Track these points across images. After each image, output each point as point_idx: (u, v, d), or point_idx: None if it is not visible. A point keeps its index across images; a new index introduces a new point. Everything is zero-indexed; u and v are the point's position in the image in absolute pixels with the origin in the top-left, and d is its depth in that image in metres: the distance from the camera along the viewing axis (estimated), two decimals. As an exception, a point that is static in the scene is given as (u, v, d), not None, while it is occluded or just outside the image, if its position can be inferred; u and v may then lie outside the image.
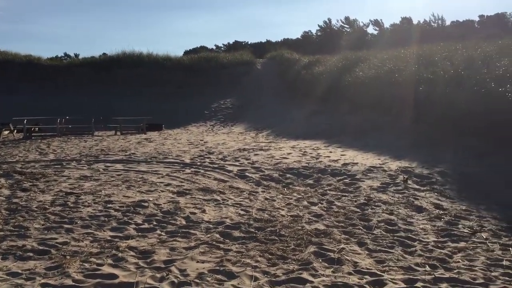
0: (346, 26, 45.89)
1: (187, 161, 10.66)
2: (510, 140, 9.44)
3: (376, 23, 42.29)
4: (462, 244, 5.61)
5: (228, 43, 61.79)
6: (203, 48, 45.92)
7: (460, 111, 10.82)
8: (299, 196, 7.62)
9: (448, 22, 58.41)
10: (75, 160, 11.14)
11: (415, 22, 47.03)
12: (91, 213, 6.45)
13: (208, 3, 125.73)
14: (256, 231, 5.77)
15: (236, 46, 51.37)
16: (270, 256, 4.94)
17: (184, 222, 6.14)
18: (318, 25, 50.19)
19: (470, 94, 10.87)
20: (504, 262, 5.06)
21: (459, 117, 10.80)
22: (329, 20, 49.23)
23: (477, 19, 69.50)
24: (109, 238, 5.47)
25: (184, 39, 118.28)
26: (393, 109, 13.71)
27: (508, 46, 13.23)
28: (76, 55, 47.79)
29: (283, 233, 5.72)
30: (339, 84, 17.66)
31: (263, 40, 62.43)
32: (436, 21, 40.95)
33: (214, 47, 60.57)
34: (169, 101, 23.12)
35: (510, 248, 5.50)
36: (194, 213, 6.53)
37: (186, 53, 42.83)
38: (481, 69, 11.73)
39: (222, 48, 58.21)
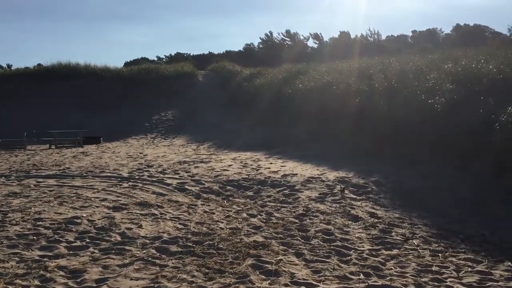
0: (287, 39, 46.78)
1: (125, 174, 10.38)
2: (440, 149, 9.89)
3: (316, 36, 43.43)
4: (395, 251, 5.79)
5: (170, 54, 61.16)
6: (144, 60, 45.17)
7: (394, 122, 11.24)
8: (239, 208, 7.60)
9: (384, 37, 60.95)
10: (4, 175, 10.57)
11: (353, 36, 48.65)
12: (19, 231, 6.11)
13: (150, 14, 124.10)
14: (194, 245, 5.68)
15: (178, 57, 50.96)
16: (207, 271, 4.88)
17: (119, 238, 5.94)
18: (260, 38, 50.80)
19: (402, 105, 11.32)
20: (434, 268, 5.26)
21: (393, 127, 11.20)
22: (271, 33, 50.02)
23: (410, 34, 72.97)
24: (37, 258, 5.19)
25: (125, 51, 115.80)
26: (332, 121, 14.04)
27: (437, 60, 13.93)
28: (9, 66, 45.65)
29: (221, 246, 5.67)
30: (280, 96, 17.89)
31: (206, 52, 62.36)
32: (373, 36, 42.64)
33: (156, 59, 59.78)
34: (108, 114, 22.51)
35: (440, 254, 5.73)
36: (130, 229, 6.34)
37: (127, 64, 41.97)
38: (412, 82, 12.26)
39: (164, 60, 57.55)
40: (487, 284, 4.84)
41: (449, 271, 5.19)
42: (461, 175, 9.12)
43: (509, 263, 5.46)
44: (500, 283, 4.88)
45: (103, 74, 26.80)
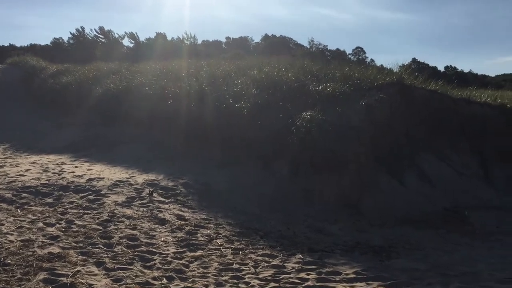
0: (100, 36, 44.43)
1: None
2: (246, 151, 10.43)
3: (132, 36, 42.15)
4: (199, 252, 5.87)
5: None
6: None
7: (204, 125, 11.51)
8: (34, 218, 6.88)
9: (199, 41, 62.49)
10: None
11: (169, 38, 48.68)
12: None
13: None
14: (-26, 264, 4.95)
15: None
16: (-13, 292, 4.28)
17: None
18: (71, 33, 47.33)
19: (212, 109, 11.66)
20: (234, 266, 5.48)
21: (203, 130, 11.46)
22: (82, 28, 46.96)
23: (224, 40, 76.33)
24: None
25: None
26: (144, 122, 13.77)
27: (245, 66, 14.71)
28: None
29: (9, 261, 5.06)
30: (90, 95, 16.91)
31: (6, 44, 55.85)
32: (189, 39, 43.26)
33: None
34: None
35: (240, 252, 6.00)
36: None
37: None
38: (222, 86, 12.72)
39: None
40: (280, 277, 5.22)
41: (248, 267, 5.46)
42: (264, 175, 9.75)
43: (300, 256, 5.98)
44: (291, 275, 5.31)
45: None
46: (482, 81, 46.35)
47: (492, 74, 74.79)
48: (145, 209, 7.55)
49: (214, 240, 6.40)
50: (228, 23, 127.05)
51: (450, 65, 77.34)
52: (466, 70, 76.78)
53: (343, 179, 9.23)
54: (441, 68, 72.95)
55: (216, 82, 13.21)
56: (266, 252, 6.07)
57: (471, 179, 10.94)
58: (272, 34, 76.72)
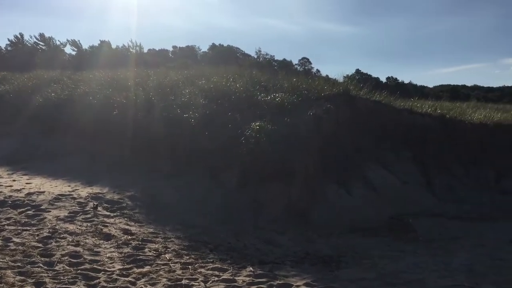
0: (41, 43, 42.99)
1: None
2: (194, 162, 10.28)
3: (74, 43, 41.06)
4: (146, 268, 5.68)
5: None
6: None
7: (152, 136, 11.25)
8: (-35, 237, 6.44)
9: (145, 50, 61.57)
10: None
11: (114, 46, 47.73)
12: None
13: None
14: None
15: None
16: None
17: None
18: (9, 39, 45.45)
19: (159, 119, 11.44)
20: (184, 281, 5.33)
21: (150, 141, 11.20)
22: (21, 35, 45.24)
23: (171, 49, 75.66)
24: None
25: None
26: (88, 133, 13.29)
27: (192, 76, 14.56)
28: None
29: None
30: (29, 105, 16.16)
31: None
32: (135, 48, 42.54)
33: None
34: None
35: (190, 266, 5.86)
36: None
37: None
38: (169, 96, 12.52)
39: None
40: (231, 291, 5.12)
41: (198, 283, 5.33)
42: (213, 186, 9.63)
43: (251, 268, 5.92)
44: (242, 289, 5.22)
45: None
46: (421, 91, 48.40)
47: (431, 85, 78.45)
48: (89, 224, 7.25)
49: (163, 255, 6.22)
50: (175, 32, 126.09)
51: (392, 76, 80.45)
52: (406, 81, 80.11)
53: (292, 190, 9.27)
54: (383, 79, 75.74)
55: (164, 92, 12.99)
56: (216, 265, 5.96)
57: (414, 187, 11.30)
58: (220, 44, 76.96)
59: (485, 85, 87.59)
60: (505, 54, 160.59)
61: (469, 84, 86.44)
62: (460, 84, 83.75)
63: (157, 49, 69.21)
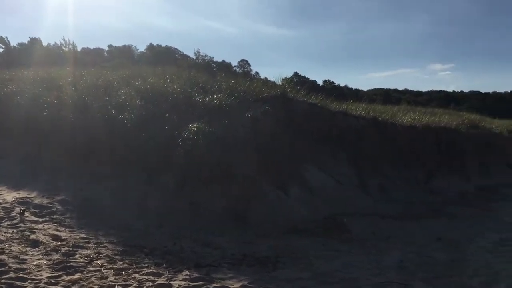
0: (-37, 39, 40.29)
1: None
2: (130, 164, 9.99)
3: (1, 40, 38.81)
4: (77, 275, 5.45)
5: None
6: None
7: (84, 137, 10.83)
8: None
9: (79, 48, 59.41)
10: None
11: (45, 44, 45.64)
12: None
13: None
14: None
15: None
16: None
17: None
18: None
19: (93, 120, 11.04)
20: None
21: (83, 142, 10.78)
22: None
23: (106, 48, 73.53)
24: None
25: None
26: (16, 134, 12.60)
27: (128, 76, 14.18)
28: None
29: None
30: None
31: None
32: (68, 46, 40.81)
33: None
34: None
35: (123, 272, 5.67)
36: None
37: None
38: (103, 96, 12.12)
39: None
40: (165, 297, 5.01)
41: (132, 288, 5.17)
42: (150, 188, 9.41)
43: (187, 272, 5.82)
44: (177, 294, 5.12)
45: None
46: (356, 94, 50.06)
47: (365, 89, 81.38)
48: (15, 230, 6.85)
49: (95, 261, 5.98)
50: (111, 31, 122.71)
51: (328, 79, 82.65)
52: (342, 84, 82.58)
53: (230, 191, 9.24)
54: (320, 82, 77.60)
55: (98, 92, 12.55)
56: (151, 270, 5.81)
57: (349, 188, 11.63)
58: (158, 44, 75.71)
59: (415, 89, 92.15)
60: (433, 60, 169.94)
61: (400, 88, 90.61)
62: (392, 88, 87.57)
63: (92, 48, 67.01)
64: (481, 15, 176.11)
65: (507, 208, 12.32)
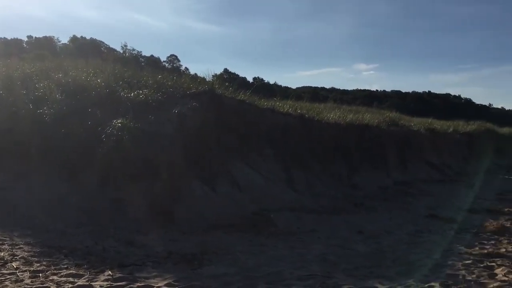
0: None
1: None
2: (48, 161, 9.52)
3: None
4: (-11, 280, 5.11)
5: None
6: None
7: (-1, 132, 10.20)
8: None
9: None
10: None
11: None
12: None
13: None
14: None
15: None
16: None
17: None
18: None
19: (8, 115, 10.41)
20: (31, 291, 4.90)
21: (-2, 138, 10.14)
22: None
23: (26, 39, 69.71)
24: None
25: None
26: None
27: (47, 69, 13.47)
28: None
29: None
30: None
31: None
32: (-18, 36, 38.15)
33: None
34: None
35: (41, 274, 5.41)
36: None
37: None
38: (21, 90, 11.44)
39: None
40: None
41: (48, 291, 4.93)
42: (70, 186, 9.04)
43: (110, 272, 5.64)
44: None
45: None
46: (285, 92, 50.91)
47: (294, 86, 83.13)
48: None
49: (9, 264, 5.65)
50: (32, 21, 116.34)
51: (258, 77, 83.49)
52: (272, 82, 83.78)
53: (155, 188, 9.06)
54: (250, 79, 78.24)
55: (14, 85, 11.82)
56: (71, 271, 5.57)
57: (276, 184, 11.82)
58: (82, 36, 72.85)
59: (341, 88, 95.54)
60: (358, 60, 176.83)
61: (327, 86, 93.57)
62: (320, 86, 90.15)
63: (9, 38, 63.27)
64: (402, 18, 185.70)
65: (423, 201, 13.08)
